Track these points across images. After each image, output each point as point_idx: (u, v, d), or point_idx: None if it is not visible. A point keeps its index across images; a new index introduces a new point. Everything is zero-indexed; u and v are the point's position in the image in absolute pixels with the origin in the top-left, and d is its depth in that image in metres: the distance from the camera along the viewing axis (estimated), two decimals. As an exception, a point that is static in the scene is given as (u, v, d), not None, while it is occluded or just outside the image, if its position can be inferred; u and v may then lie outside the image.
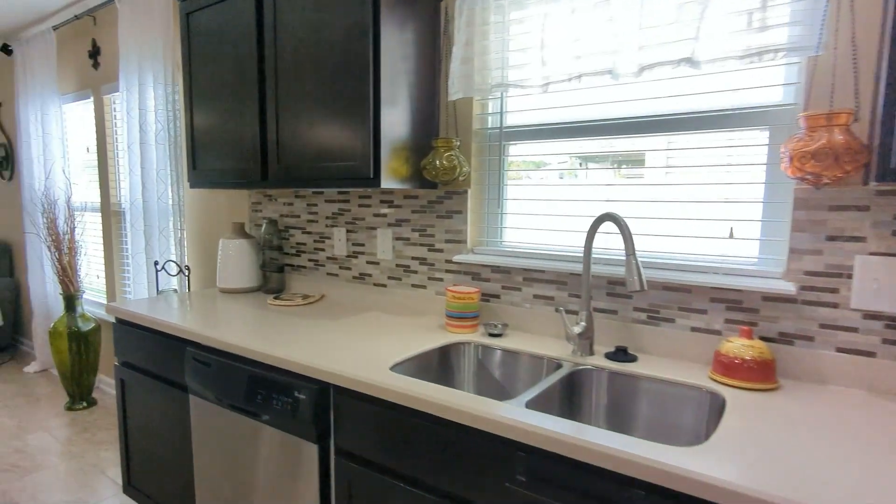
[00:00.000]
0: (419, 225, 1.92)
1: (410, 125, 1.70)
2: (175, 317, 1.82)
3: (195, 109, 2.08)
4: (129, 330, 1.96)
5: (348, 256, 2.15)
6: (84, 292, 3.33)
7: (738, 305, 1.34)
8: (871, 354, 1.19)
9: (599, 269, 1.53)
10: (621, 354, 1.42)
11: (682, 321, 1.43)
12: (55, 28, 3.31)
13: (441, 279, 1.89)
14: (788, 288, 1.24)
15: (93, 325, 3.24)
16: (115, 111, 3.25)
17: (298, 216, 2.31)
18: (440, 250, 1.88)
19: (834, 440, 0.96)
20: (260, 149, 1.87)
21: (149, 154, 2.73)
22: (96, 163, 3.42)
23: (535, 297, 1.67)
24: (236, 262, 2.27)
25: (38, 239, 3.71)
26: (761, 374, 1.20)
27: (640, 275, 1.26)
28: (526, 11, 1.57)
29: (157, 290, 2.71)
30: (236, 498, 1.63)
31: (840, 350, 1.23)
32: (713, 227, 1.42)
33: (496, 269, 1.75)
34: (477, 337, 1.62)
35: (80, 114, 3.61)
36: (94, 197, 3.54)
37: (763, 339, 1.32)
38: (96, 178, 3.47)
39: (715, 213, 1.42)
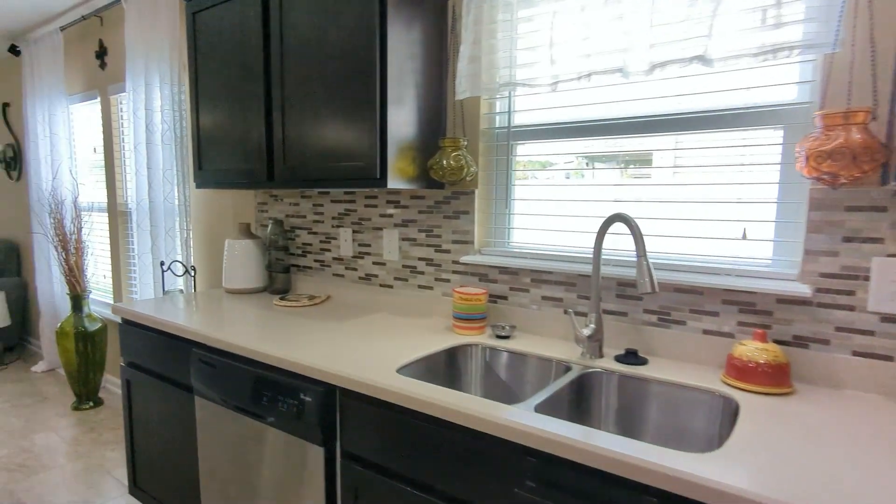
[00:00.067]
0: (426, 225, 1.91)
1: (417, 125, 1.68)
2: (180, 317, 1.81)
3: (201, 109, 2.08)
4: (135, 330, 1.96)
5: (354, 257, 2.14)
6: (90, 292, 3.34)
7: (752, 308, 1.32)
8: (888, 358, 1.17)
9: (609, 270, 1.51)
10: (631, 357, 1.40)
11: (693, 323, 1.40)
12: (62, 29, 3.31)
13: (448, 280, 1.87)
14: (803, 290, 1.21)
15: (99, 325, 3.25)
16: (121, 111, 3.25)
17: (304, 216, 2.30)
18: (447, 251, 1.86)
19: (852, 447, 0.93)
20: (266, 149, 1.86)
21: (155, 154, 2.72)
22: (103, 163, 3.42)
23: (544, 298, 1.65)
24: (242, 262, 2.26)
25: (46, 239, 3.72)
26: (776, 378, 1.17)
27: (651, 276, 1.23)
28: (535, 9, 1.55)
29: (163, 290, 2.71)
30: (242, 501, 1.62)
31: (856, 354, 1.20)
32: (726, 228, 1.40)
33: (504, 270, 1.73)
34: (484, 339, 1.60)
35: (87, 114, 3.62)
36: (101, 197, 3.55)
37: (777, 342, 1.29)
38: (103, 178, 3.48)
39: (727, 214, 1.39)
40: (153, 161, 2.73)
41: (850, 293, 1.20)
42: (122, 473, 2.53)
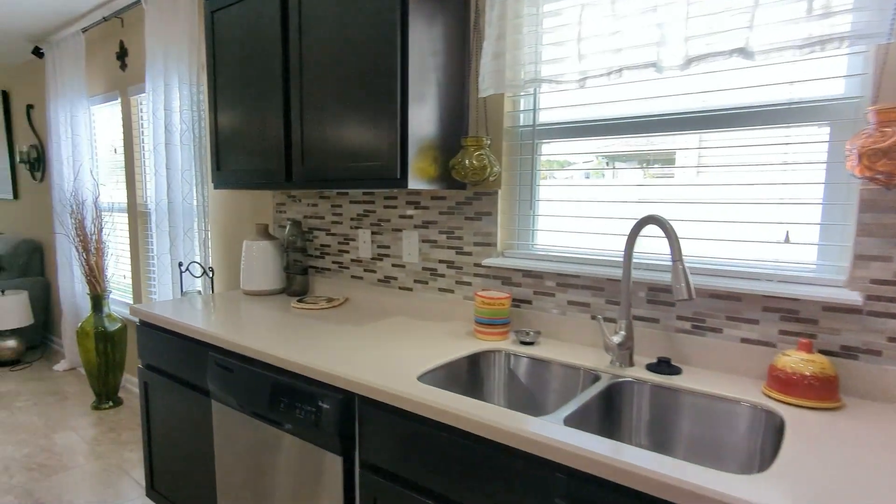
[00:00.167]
0: (447, 227, 1.85)
1: (439, 123, 1.63)
2: (198, 320, 1.79)
3: (219, 109, 2.05)
4: (152, 332, 1.94)
5: (373, 259, 2.09)
6: (111, 292, 3.35)
7: (795, 316, 1.24)
8: (947, 372, 1.08)
9: (639, 274, 1.44)
10: (664, 366, 1.33)
11: (730, 331, 1.33)
12: (84, 30, 3.34)
13: (469, 283, 1.82)
14: (853, 297, 1.13)
15: (119, 325, 3.26)
16: (141, 112, 3.26)
17: (323, 217, 2.26)
18: (468, 253, 1.81)
19: (915, 470, 0.85)
20: (284, 149, 1.82)
21: (174, 155, 2.72)
22: (123, 164, 3.44)
23: (570, 303, 1.59)
24: (260, 263, 2.24)
25: (67, 239, 3.76)
26: (823, 392, 1.10)
27: (688, 282, 1.17)
28: (562, 3, 1.49)
29: (182, 291, 2.70)
30: (258, 508, 1.58)
31: (911, 366, 1.12)
32: (766, 231, 1.32)
33: (528, 273, 1.67)
34: (508, 345, 1.54)
35: (108, 115, 3.64)
36: (121, 197, 3.57)
37: (823, 352, 1.21)
38: (123, 178, 3.50)
39: (767, 216, 1.32)
40: (172, 161, 2.72)
41: (905, 301, 1.12)
42: (140, 474, 2.52)
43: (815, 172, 1.25)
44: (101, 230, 3.24)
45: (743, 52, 1.19)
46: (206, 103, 2.64)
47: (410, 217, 1.95)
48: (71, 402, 3.38)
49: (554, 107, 1.65)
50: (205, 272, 2.66)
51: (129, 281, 3.61)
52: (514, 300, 1.71)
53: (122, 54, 3.25)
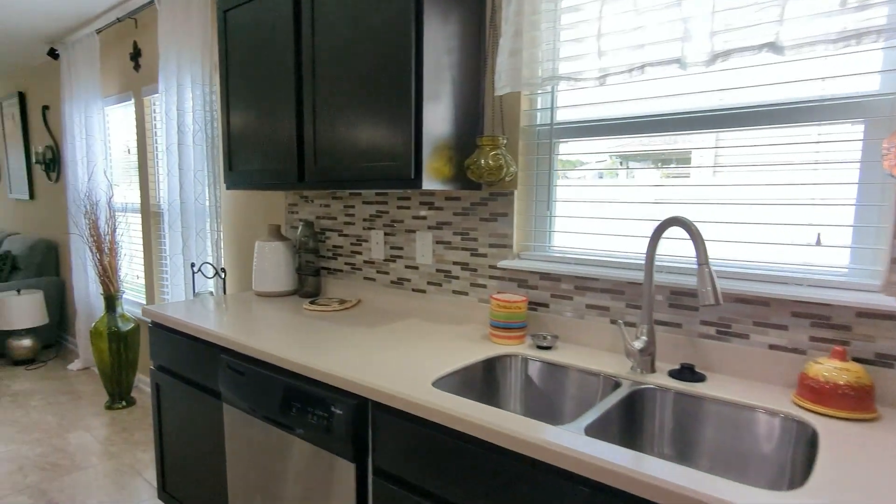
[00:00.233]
0: (461, 228, 1.82)
1: (454, 122, 1.60)
2: (209, 322, 1.77)
3: (232, 109, 2.04)
4: (164, 334, 1.92)
5: (386, 260, 2.06)
6: (124, 293, 3.36)
7: (826, 322, 1.19)
8: None
9: (661, 277, 1.40)
10: (687, 373, 1.28)
11: (757, 337, 1.28)
12: (98, 31, 3.35)
13: (484, 286, 1.78)
14: (889, 303, 1.08)
15: (132, 325, 3.27)
16: (154, 113, 3.27)
17: (335, 218, 2.24)
18: (483, 255, 1.77)
19: (964, 488, 0.80)
20: (297, 149, 1.80)
21: (187, 155, 2.71)
22: (136, 164, 3.44)
23: (588, 307, 1.55)
24: (272, 264, 2.22)
25: (81, 239, 3.77)
26: (858, 402, 1.05)
27: (714, 286, 1.12)
28: (581, -2, 1.44)
29: (194, 292, 2.69)
30: (270, 513, 1.56)
31: (952, 376, 1.06)
32: (794, 233, 1.27)
33: (545, 275, 1.63)
34: (524, 349, 1.50)
35: (122, 116, 3.65)
36: (135, 198, 3.58)
37: (856, 360, 1.16)
38: (136, 179, 3.50)
39: (797, 217, 1.26)
40: (185, 162, 2.71)
41: (945, 307, 1.06)
42: (152, 475, 2.52)
43: (848, 172, 1.20)
44: (114, 230, 3.25)
45: (773, 46, 1.14)
46: (219, 103, 2.63)
47: (424, 218, 1.92)
48: (85, 402, 3.39)
49: (571, 105, 1.61)
50: (217, 273, 2.65)
51: (143, 281, 3.62)
52: (530, 303, 1.67)
53: (135, 55, 3.26)
